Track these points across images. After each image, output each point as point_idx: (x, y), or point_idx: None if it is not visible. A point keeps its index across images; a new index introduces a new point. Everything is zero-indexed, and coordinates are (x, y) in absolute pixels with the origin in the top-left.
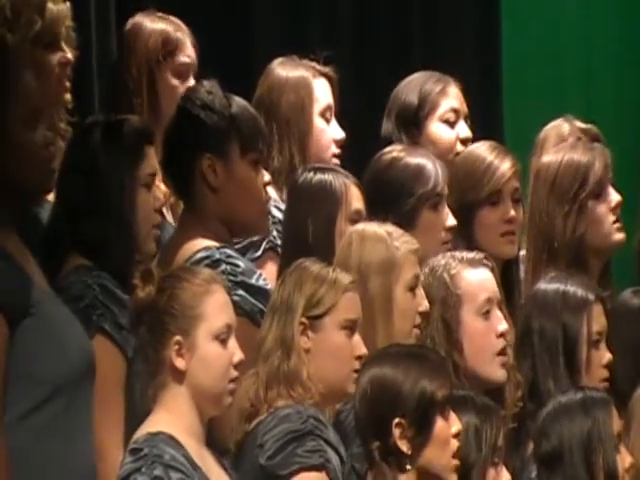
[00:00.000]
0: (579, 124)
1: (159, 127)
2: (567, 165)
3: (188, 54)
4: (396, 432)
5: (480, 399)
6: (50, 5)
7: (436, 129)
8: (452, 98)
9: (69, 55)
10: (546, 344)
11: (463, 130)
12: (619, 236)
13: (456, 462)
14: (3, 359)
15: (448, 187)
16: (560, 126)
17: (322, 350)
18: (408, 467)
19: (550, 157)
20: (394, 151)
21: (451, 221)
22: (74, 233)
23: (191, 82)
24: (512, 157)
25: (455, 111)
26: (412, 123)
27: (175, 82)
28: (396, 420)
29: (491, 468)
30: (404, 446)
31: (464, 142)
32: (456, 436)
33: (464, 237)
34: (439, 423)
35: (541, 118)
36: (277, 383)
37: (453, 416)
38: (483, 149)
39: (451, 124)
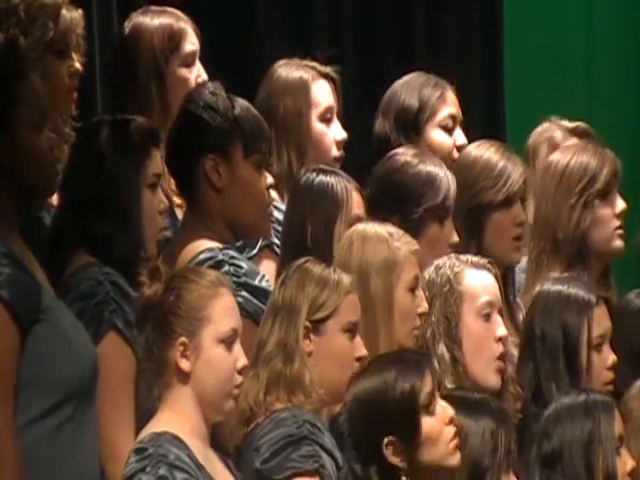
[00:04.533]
0: (567, 124)
1: (169, 124)
2: (577, 164)
3: (192, 41)
4: (388, 452)
5: (495, 403)
6: (64, 12)
7: (435, 135)
8: (450, 104)
9: (78, 65)
10: (547, 348)
11: (460, 137)
12: (619, 243)
13: (454, 443)
14: (15, 365)
15: (457, 188)
16: (551, 131)
17: (325, 354)
18: (404, 479)
19: (559, 155)
20: (408, 155)
21: (455, 238)
22: (80, 231)
23: (198, 66)
24: (519, 157)
25: (453, 118)
26: (411, 127)
27: (184, 72)
28: (385, 440)
29: (504, 474)
30: (398, 462)
31: (460, 149)
32: (450, 423)
33: (474, 240)
34: (426, 423)
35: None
36: (277, 388)
37: (442, 406)
38: (492, 151)
39: (449, 130)
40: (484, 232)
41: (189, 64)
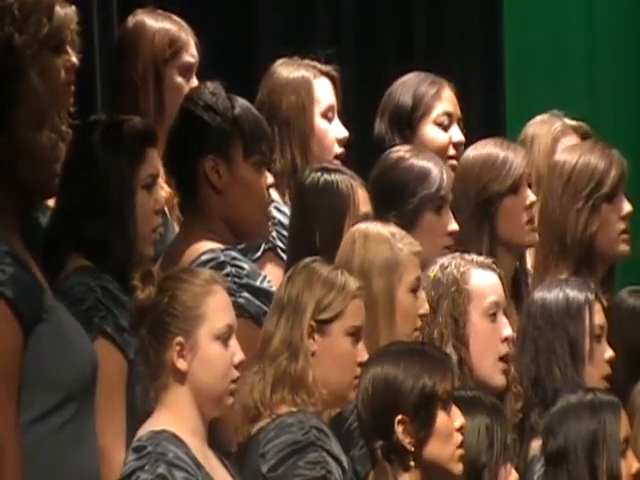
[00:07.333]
0: (569, 121)
1: (163, 126)
2: (584, 165)
3: (192, 53)
4: (399, 429)
5: (488, 398)
6: (58, 8)
7: (429, 132)
8: (446, 102)
9: (74, 59)
10: (549, 339)
11: (456, 134)
12: (624, 247)
13: (461, 452)
14: (18, 364)
15: (461, 188)
16: (550, 123)
17: (328, 355)
18: (412, 464)
19: (566, 155)
20: (401, 151)
21: (453, 226)
22: (75, 233)
23: (194, 81)
24: (519, 145)
25: (449, 115)
26: (405, 124)
27: (180, 81)
28: (399, 417)
29: (501, 467)
30: (407, 443)
31: (456, 146)
32: (459, 430)
33: (487, 231)
34: (441, 417)
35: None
36: (282, 386)
37: (456, 410)
38: (491, 145)
39: (444, 128)
40: (496, 221)
41: (186, 75)
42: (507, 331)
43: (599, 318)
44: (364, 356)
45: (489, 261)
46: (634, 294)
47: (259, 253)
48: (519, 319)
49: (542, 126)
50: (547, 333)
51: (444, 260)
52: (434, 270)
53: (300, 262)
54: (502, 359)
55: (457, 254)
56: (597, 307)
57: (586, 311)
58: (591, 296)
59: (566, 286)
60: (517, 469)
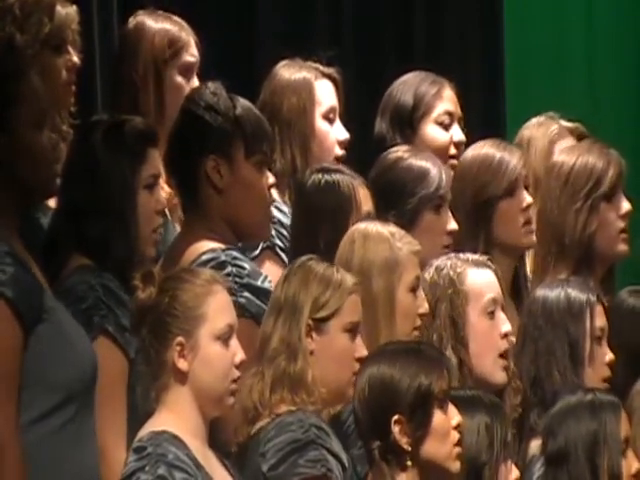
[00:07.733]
0: (565, 123)
1: (164, 126)
2: (582, 166)
3: (193, 53)
4: (395, 429)
5: (488, 397)
6: (59, 8)
7: (430, 131)
8: (447, 101)
9: (75, 59)
10: (549, 340)
11: (457, 133)
12: (623, 247)
13: (458, 450)
14: (19, 364)
15: (458, 189)
16: (547, 126)
17: (326, 353)
18: (408, 463)
19: (564, 156)
20: (399, 151)
21: (452, 225)
22: (76, 233)
23: (195, 81)
24: (516, 147)
25: (450, 114)
26: (406, 124)
27: (181, 81)
28: (395, 417)
29: (502, 465)
30: (404, 442)
31: (457, 145)
32: (456, 428)
33: (483, 233)
34: (438, 416)
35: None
36: (281, 387)
37: (452, 408)
38: (488, 146)
39: (445, 127)
40: (492, 223)
41: (187, 75)
42: (506, 327)
43: (600, 320)
44: (362, 351)
45: (484, 258)
46: (634, 294)
47: (257, 251)
48: (520, 319)
49: (538, 129)
50: (547, 333)
51: (439, 262)
52: (430, 273)
53: (295, 261)
54: (502, 356)
55: (452, 254)
56: (598, 309)
57: (587, 312)
58: (592, 297)
59: (568, 286)
60: (516, 465)
